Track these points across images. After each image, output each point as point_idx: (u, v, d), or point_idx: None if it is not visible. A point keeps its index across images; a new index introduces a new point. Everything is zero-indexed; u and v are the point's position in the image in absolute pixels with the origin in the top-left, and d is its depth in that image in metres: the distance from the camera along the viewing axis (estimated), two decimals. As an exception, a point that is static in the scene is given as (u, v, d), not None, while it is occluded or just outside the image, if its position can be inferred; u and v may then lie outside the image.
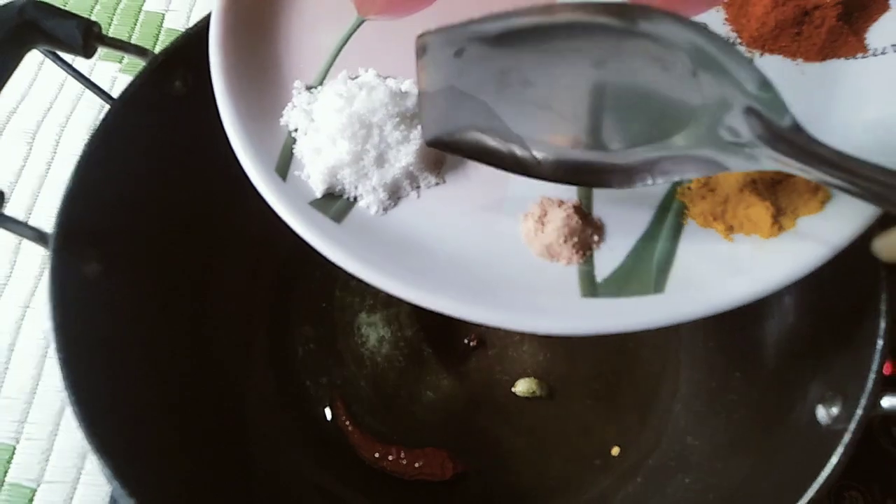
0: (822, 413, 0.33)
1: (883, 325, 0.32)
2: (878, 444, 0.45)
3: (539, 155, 0.28)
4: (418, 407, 0.48)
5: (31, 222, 0.35)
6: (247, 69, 0.32)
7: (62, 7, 0.36)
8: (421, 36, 0.27)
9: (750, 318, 0.44)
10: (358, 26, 0.34)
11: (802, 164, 0.23)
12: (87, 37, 0.36)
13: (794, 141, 0.23)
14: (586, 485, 0.46)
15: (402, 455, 0.45)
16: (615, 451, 0.46)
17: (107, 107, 0.38)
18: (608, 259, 0.29)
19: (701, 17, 0.32)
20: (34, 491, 0.48)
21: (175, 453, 0.38)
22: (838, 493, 0.44)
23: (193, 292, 0.45)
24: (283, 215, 0.29)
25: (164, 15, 0.66)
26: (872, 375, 0.31)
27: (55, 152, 0.60)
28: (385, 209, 0.31)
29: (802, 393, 0.36)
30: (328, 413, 0.48)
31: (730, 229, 0.28)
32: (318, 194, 0.30)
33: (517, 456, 0.46)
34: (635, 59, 0.24)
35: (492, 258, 0.29)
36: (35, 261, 0.56)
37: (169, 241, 0.42)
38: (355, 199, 0.31)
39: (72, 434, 0.50)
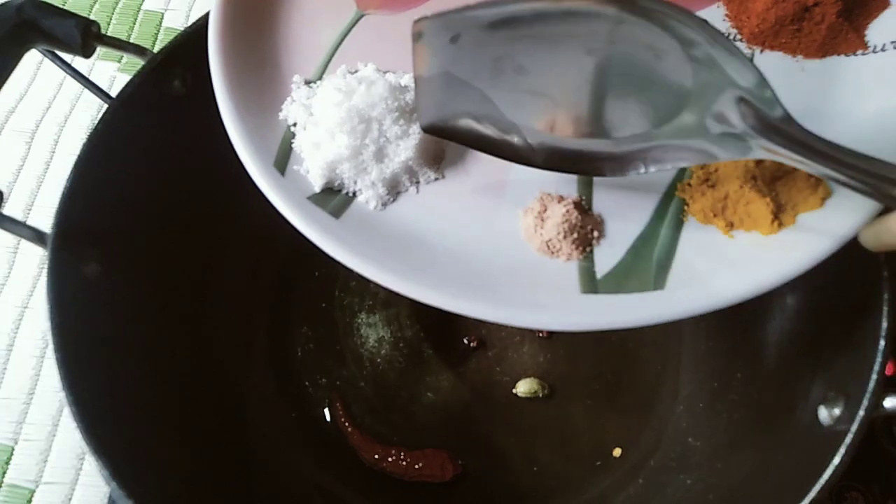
0: (824, 414, 0.33)
1: (885, 325, 0.32)
2: (880, 445, 0.45)
3: (532, 142, 0.28)
4: (418, 408, 0.48)
5: (30, 222, 0.34)
6: (245, 63, 0.32)
7: (61, 6, 0.36)
8: (417, 21, 0.27)
9: (751, 318, 0.44)
10: (357, 21, 0.34)
11: (793, 153, 0.24)
12: (86, 36, 0.36)
13: (785, 130, 0.24)
14: (587, 485, 0.46)
15: (402, 456, 0.45)
16: (616, 452, 0.46)
17: (105, 106, 0.38)
18: (608, 255, 0.29)
19: (702, 13, 0.32)
20: (32, 492, 0.48)
21: (174, 453, 0.38)
22: (839, 493, 0.44)
23: (193, 292, 0.45)
24: (281, 210, 0.29)
25: (163, 14, 0.66)
26: (874, 376, 0.31)
27: (54, 152, 0.60)
28: (384, 204, 0.30)
29: (804, 393, 0.36)
30: (328, 414, 0.48)
31: (730, 226, 0.28)
32: (317, 189, 0.30)
33: (517, 457, 0.46)
34: (629, 48, 0.25)
35: (491, 254, 0.29)
36: (33, 261, 0.55)
37: (169, 241, 0.42)
38: (354, 194, 0.31)
39: (70, 434, 0.50)
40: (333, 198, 0.30)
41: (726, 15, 0.32)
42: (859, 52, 0.30)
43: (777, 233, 0.27)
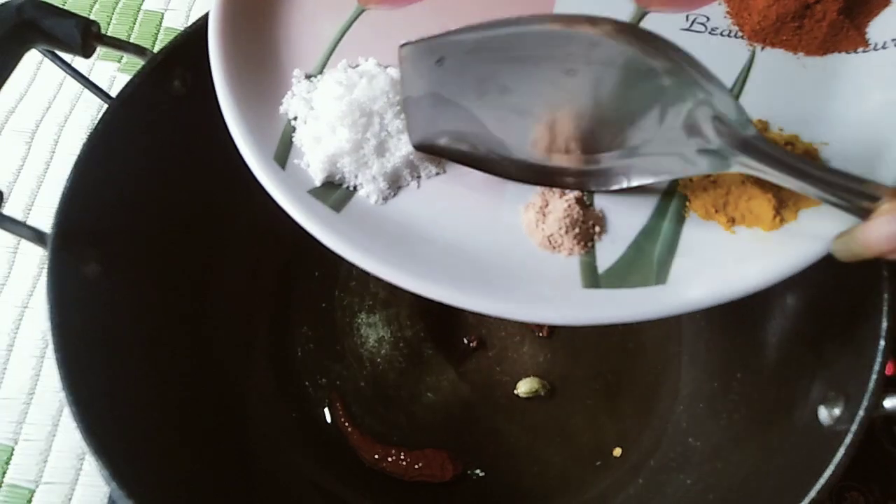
0: (824, 414, 0.33)
1: (885, 325, 0.32)
2: (880, 445, 0.45)
3: (518, 158, 0.29)
4: (418, 408, 0.48)
5: (30, 222, 0.34)
6: (246, 57, 0.32)
7: (61, 6, 0.36)
8: (403, 46, 0.28)
9: (751, 318, 0.44)
10: (358, 15, 0.34)
11: (768, 167, 0.25)
12: (86, 36, 0.36)
13: (759, 147, 0.25)
14: (587, 485, 0.46)
15: (402, 456, 0.45)
16: (617, 451, 0.46)
17: (105, 106, 0.38)
18: (610, 250, 0.29)
19: (703, 11, 0.32)
20: (32, 492, 0.48)
21: (174, 454, 0.38)
22: (839, 493, 0.44)
23: (193, 292, 0.45)
24: (282, 204, 0.29)
25: (163, 14, 0.66)
26: (874, 376, 0.31)
27: (54, 152, 0.60)
28: (385, 198, 0.31)
29: (804, 393, 0.36)
30: (328, 414, 0.48)
31: (731, 221, 0.28)
32: (318, 183, 0.30)
33: (517, 457, 0.46)
34: (606, 69, 0.26)
35: (493, 249, 0.29)
36: (33, 261, 0.55)
37: (169, 241, 0.42)
38: (355, 188, 0.31)
39: (70, 434, 0.50)
40: (334, 192, 0.30)
41: (727, 12, 0.32)
42: (860, 49, 0.31)
43: (779, 228, 0.27)
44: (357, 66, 0.33)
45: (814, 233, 0.27)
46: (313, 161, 0.30)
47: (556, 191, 0.30)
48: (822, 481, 0.31)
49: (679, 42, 0.28)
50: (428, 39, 0.27)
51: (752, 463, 0.38)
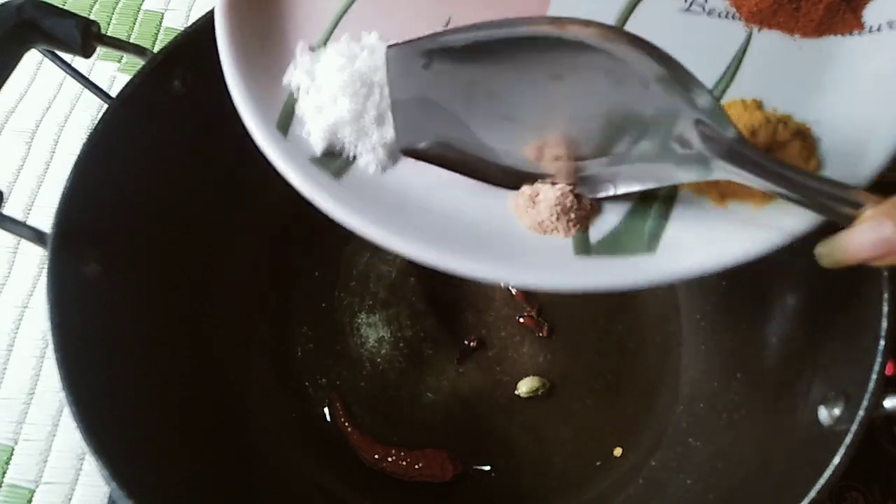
0: (824, 414, 0.33)
1: (885, 325, 0.32)
2: (880, 445, 0.45)
3: (506, 165, 0.29)
4: (418, 408, 0.48)
5: (30, 222, 0.34)
6: (251, 30, 0.32)
7: (61, 6, 0.36)
8: (390, 47, 0.28)
9: (751, 318, 0.44)
10: None
11: (746, 172, 0.25)
12: (86, 36, 0.36)
13: (739, 152, 0.25)
14: (587, 485, 0.46)
15: (402, 456, 0.45)
16: (617, 451, 0.46)
17: (105, 106, 0.38)
18: (602, 224, 0.29)
19: None
20: (32, 492, 0.48)
21: (174, 454, 0.38)
22: (839, 493, 0.44)
23: (193, 292, 0.45)
24: (282, 171, 0.29)
25: (163, 14, 0.66)
26: (874, 376, 0.31)
27: (54, 152, 0.60)
28: (383, 168, 0.31)
29: (804, 394, 0.36)
30: (328, 414, 0.48)
31: (723, 196, 0.29)
32: (318, 152, 0.31)
33: (517, 457, 0.46)
34: (592, 74, 0.26)
35: (487, 218, 0.30)
36: (33, 261, 0.55)
37: (169, 241, 0.42)
38: (354, 157, 0.31)
39: (70, 434, 0.50)
40: (334, 161, 0.31)
41: None
42: (855, 31, 0.31)
43: (768, 204, 0.28)
44: (360, 40, 0.33)
45: (802, 209, 0.27)
46: (314, 130, 0.31)
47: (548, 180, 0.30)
48: (822, 481, 0.31)
49: (678, 24, 0.29)
50: (415, 41, 0.27)
51: (752, 463, 0.38)
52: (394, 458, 0.45)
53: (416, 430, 0.47)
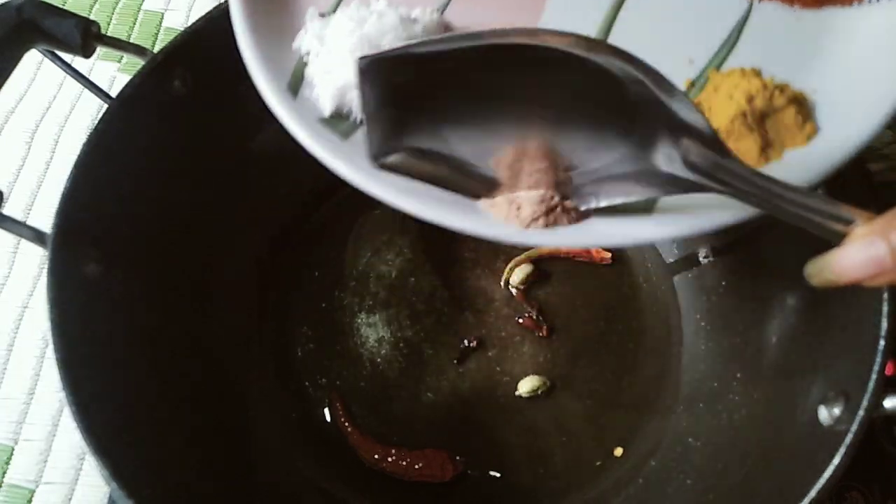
0: (824, 414, 0.33)
1: (885, 325, 0.32)
2: (880, 445, 0.45)
3: (484, 176, 0.29)
4: (418, 408, 0.48)
5: (30, 222, 0.35)
6: None
7: (61, 6, 0.36)
8: (361, 59, 0.28)
9: (751, 318, 0.44)
10: None
11: (735, 188, 0.25)
12: (86, 36, 0.36)
13: (726, 167, 0.25)
14: (587, 485, 0.46)
15: (402, 456, 0.45)
16: (618, 451, 0.46)
17: (105, 106, 0.38)
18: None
19: None
20: (33, 492, 0.48)
21: (174, 453, 0.38)
22: (839, 493, 0.44)
23: (193, 292, 0.45)
24: (291, 130, 0.30)
25: (163, 14, 0.66)
26: (874, 376, 0.31)
27: (54, 152, 0.60)
28: None
29: (804, 393, 0.36)
30: (328, 414, 0.48)
31: None
32: (327, 113, 0.31)
33: (517, 457, 0.46)
34: (573, 86, 0.26)
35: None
36: (34, 261, 0.56)
37: (169, 241, 0.42)
38: (361, 121, 0.31)
39: (70, 435, 0.50)
40: (342, 123, 0.31)
41: None
42: (854, 3, 0.32)
43: (764, 167, 0.29)
44: (369, 5, 0.34)
45: (796, 171, 0.28)
46: (323, 92, 0.31)
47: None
48: (822, 481, 0.31)
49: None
50: (387, 52, 0.27)
51: (752, 463, 0.38)
52: (394, 458, 0.45)
53: (416, 430, 0.47)
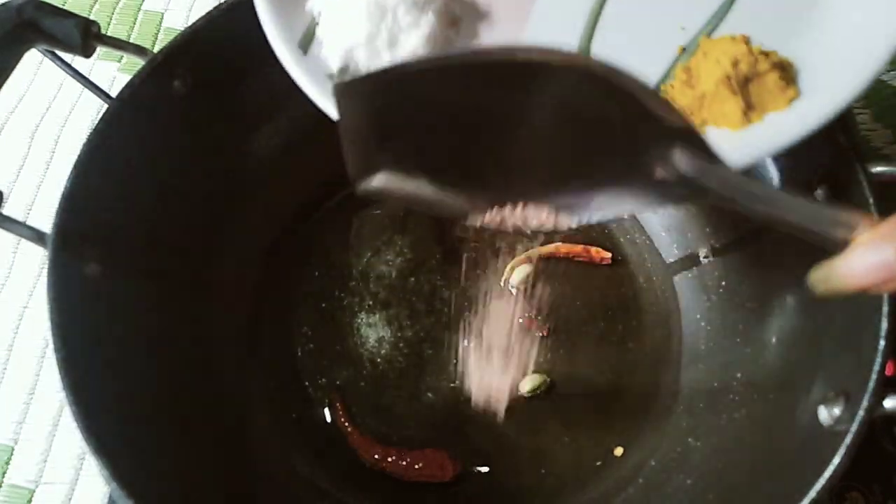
0: (824, 414, 0.33)
1: (885, 325, 0.32)
2: (880, 445, 0.45)
3: (471, 197, 0.29)
4: (418, 408, 0.48)
5: (30, 222, 0.34)
6: None
7: (61, 6, 0.36)
8: (338, 84, 0.27)
9: (751, 317, 0.44)
10: None
11: (735, 197, 0.24)
12: (86, 36, 0.36)
13: (722, 175, 0.25)
14: (587, 485, 0.46)
15: (402, 456, 0.45)
16: (618, 451, 0.46)
17: (105, 106, 0.38)
18: None
19: None
20: (33, 492, 0.48)
21: (174, 453, 0.38)
22: (839, 493, 0.44)
23: (193, 292, 0.45)
24: (301, 84, 0.32)
25: (163, 14, 0.66)
26: (874, 376, 0.31)
27: (54, 152, 0.60)
28: None
29: (804, 393, 0.36)
30: (328, 414, 0.48)
31: (703, 122, 0.31)
32: (334, 69, 0.33)
33: (517, 457, 0.46)
34: (560, 101, 0.25)
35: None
36: (34, 261, 0.55)
37: (169, 241, 0.42)
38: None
39: (70, 435, 0.50)
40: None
41: None
42: None
43: (745, 128, 0.30)
44: None
45: (775, 131, 0.30)
46: (332, 50, 0.33)
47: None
48: (822, 481, 0.31)
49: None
50: (366, 75, 0.28)
51: (752, 463, 0.38)
52: (394, 458, 0.45)
53: (416, 430, 0.47)
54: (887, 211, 0.26)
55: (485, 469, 0.46)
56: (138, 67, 0.39)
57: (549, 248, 0.51)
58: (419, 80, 0.26)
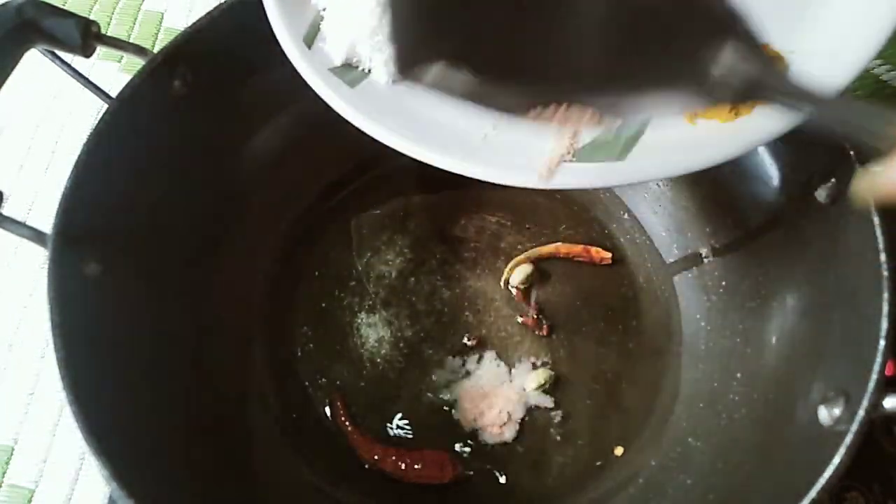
0: (824, 414, 0.33)
1: (885, 325, 0.32)
2: (880, 445, 0.45)
3: (517, 93, 0.29)
4: (418, 408, 0.48)
5: (30, 222, 0.34)
6: None
7: (61, 6, 0.36)
8: None
9: (751, 318, 0.44)
10: None
11: (783, 95, 0.25)
12: (86, 36, 0.36)
13: (777, 74, 0.25)
14: (587, 485, 0.46)
15: (402, 457, 0.45)
16: (618, 451, 0.46)
17: (105, 106, 0.38)
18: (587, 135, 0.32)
19: None
20: (33, 492, 0.48)
21: (174, 453, 0.38)
22: (839, 493, 0.44)
23: (193, 292, 0.45)
24: (305, 76, 0.33)
25: (163, 14, 0.66)
26: (874, 376, 0.31)
27: (54, 152, 0.60)
28: (394, 81, 0.34)
29: (804, 393, 0.36)
30: (328, 414, 0.48)
31: (693, 115, 0.31)
32: (338, 63, 0.34)
33: (517, 457, 0.46)
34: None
35: (482, 128, 0.32)
36: (34, 261, 0.55)
37: (169, 241, 0.42)
38: (369, 70, 0.34)
39: (70, 435, 0.50)
40: (351, 72, 0.34)
41: None
42: None
43: (734, 121, 0.30)
44: None
45: (763, 125, 0.30)
46: (335, 44, 0.34)
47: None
48: (822, 481, 0.31)
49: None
50: None
51: (752, 463, 0.38)
52: (393, 458, 0.45)
53: (416, 431, 0.47)
54: (887, 211, 0.26)
55: (484, 470, 0.46)
56: (138, 67, 0.39)
57: (549, 248, 0.51)
58: None
